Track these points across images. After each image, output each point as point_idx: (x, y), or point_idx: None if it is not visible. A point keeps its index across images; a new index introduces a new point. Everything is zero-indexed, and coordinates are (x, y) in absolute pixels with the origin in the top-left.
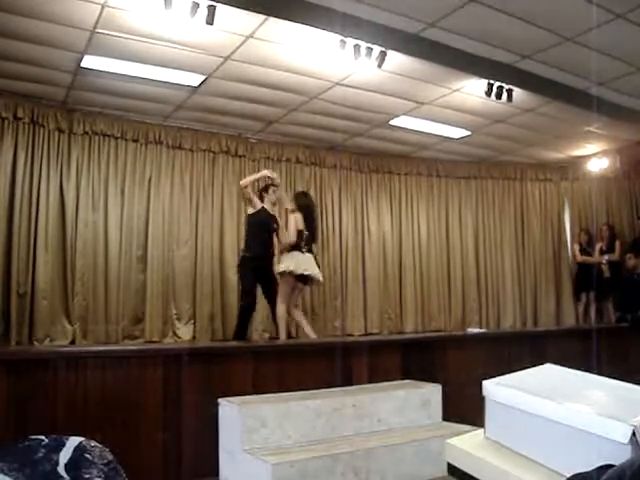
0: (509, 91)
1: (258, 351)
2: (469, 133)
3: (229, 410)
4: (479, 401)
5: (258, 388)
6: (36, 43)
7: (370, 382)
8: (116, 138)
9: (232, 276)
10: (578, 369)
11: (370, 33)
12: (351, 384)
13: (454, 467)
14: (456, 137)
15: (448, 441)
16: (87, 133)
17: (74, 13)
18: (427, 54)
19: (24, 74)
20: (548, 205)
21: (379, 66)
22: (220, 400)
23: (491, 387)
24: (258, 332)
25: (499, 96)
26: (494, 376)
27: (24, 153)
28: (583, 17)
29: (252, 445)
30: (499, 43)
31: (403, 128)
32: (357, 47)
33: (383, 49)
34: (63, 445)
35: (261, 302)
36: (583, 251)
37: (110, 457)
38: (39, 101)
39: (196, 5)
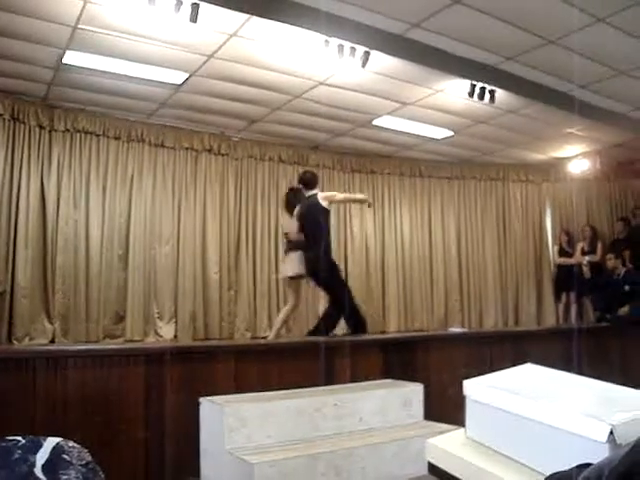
0: (492, 92)
1: (240, 350)
2: (452, 134)
3: (210, 409)
4: (460, 400)
5: (240, 387)
6: (17, 38)
7: (352, 381)
8: (98, 135)
9: (214, 275)
10: (559, 369)
11: (354, 33)
12: (333, 383)
13: (435, 466)
14: (439, 137)
15: (429, 440)
16: (68, 130)
17: (56, 8)
18: (411, 55)
19: (4, 70)
20: (530, 206)
21: (363, 66)
22: (201, 399)
23: (472, 386)
24: (240, 331)
25: (482, 97)
26: (475, 375)
27: (4, 150)
28: (565, 20)
29: (233, 445)
30: (482, 44)
31: (386, 128)
32: (341, 47)
33: (367, 49)
34: (40, 446)
35: (246, 298)
36: (562, 252)
37: (89, 458)
38: (20, 97)
39: (179, 2)
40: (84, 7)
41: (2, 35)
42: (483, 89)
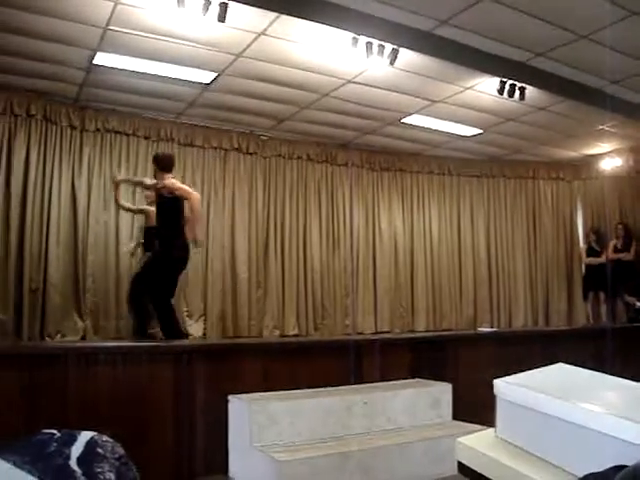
0: (522, 89)
1: (269, 348)
2: (481, 131)
3: (239, 407)
4: (490, 400)
5: (269, 385)
6: (49, 40)
7: (380, 380)
8: (128, 135)
9: (243, 274)
10: (590, 369)
11: (382, 31)
12: (361, 382)
13: (465, 466)
14: (468, 135)
15: (459, 440)
16: (99, 130)
17: (87, 10)
18: (439, 52)
19: (37, 71)
20: (560, 204)
21: (391, 64)
22: (230, 397)
23: (502, 386)
24: (269, 329)
25: (512, 94)
26: (505, 375)
27: (36, 150)
28: (598, 14)
29: (262, 442)
30: (512, 41)
31: (415, 126)
32: (369, 44)
33: (395, 47)
34: (75, 439)
35: (274, 296)
36: (592, 251)
37: (122, 452)
38: (52, 98)
39: (208, 2)
40: (114, 8)
41: (35, 37)
42: (513, 86)
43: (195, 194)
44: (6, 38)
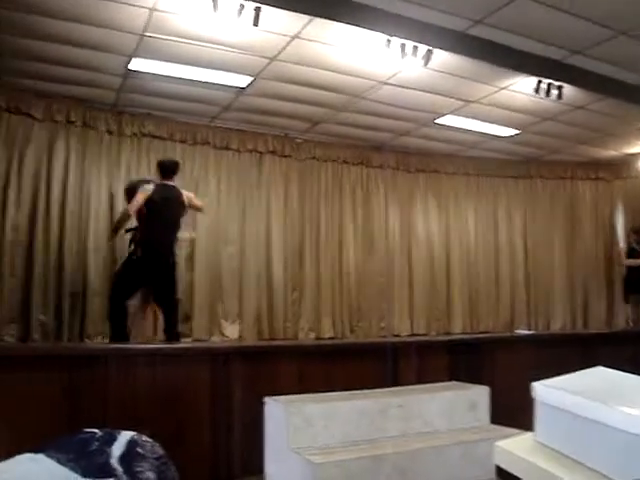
0: (559, 88)
1: (305, 351)
2: (517, 131)
3: (275, 409)
4: (527, 404)
5: (304, 387)
6: (87, 48)
7: (416, 383)
8: (164, 139)
9: (278, 276)
10: (630, 372)
11: (416, 32)
12: (397, 385)
13: (504, 470)
14: (504, 136)
15: (497, 443)
16: (136, 135)
17: (124, 18)
18: (474, 52)
19: (76, 78)
20: (600, 204)
21: (425, 65)
22: (266, 399)
23: (542, 389)
24: (304, 331)
25: (548, 93)
26: (543, 379)
27: (75, 155)
28: (637, 10)
29: (297, 444)
30: (548, 39)
31: (450, 127)
32: (403, 46)
33: (429, 47)
34: (115, 439)
35: (310, 298)
36: (632, 251)
37: (161, 452)
38: (90, 104)
39: (242, 7)
40: (151, 15)
41: (73, 45)
42: (550, 85)
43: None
44: (45, 46)
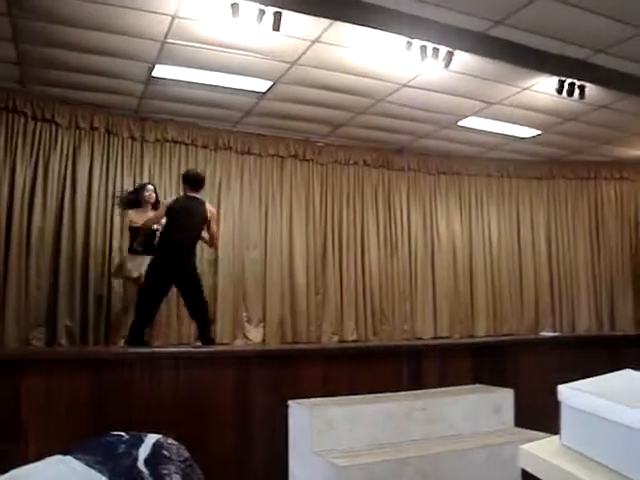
0: (581, 87)
1: (328, 354)
2: (540, 132)
3: (299, 412)
4: (552, 407)
5: (328, 390)
6: (109, 55)
7: (440, 386)
8: (186, 145)
9: (301, 280)
10: None
11: (436, 33)
12: (421, 388)
13: (529, 474)
14: (526, 137)
15: (522, 447)
16: (158, 140)
17: (145, 25)
18: (495, 53)
19: (100, 86)
20: (625, 204)
21: (446, 67)
22: (290, 402)
23: (567, 392)
24: (327, 334)
25: (571, 93)
26: (568, 381)
27: (99, 161)
28: None
29: (322, 447)
30: (570, 38)
31: (471, 129)
32: (423, 48)
33: (450, 49)
34: (142, 442)
35: (333, 302)
36: None
37: (187, 454)
38: (113, 111)
39: (262, 12)
40: (172, 22)
41: (96, 53)
42: (572, 85)
43: None
44: (68, 55)
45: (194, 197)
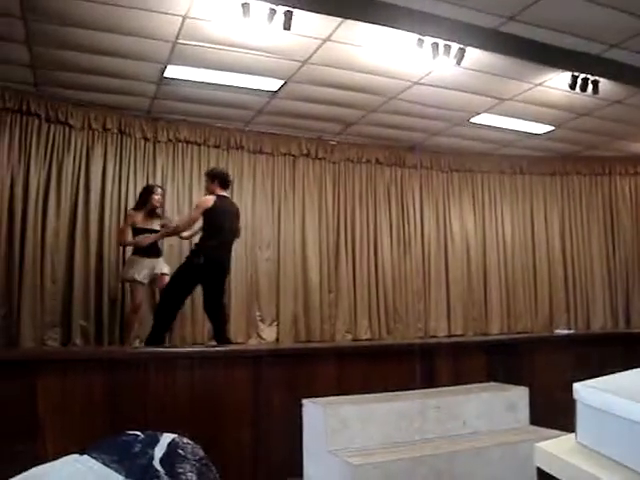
0: (595, 83)
1: (342, 352)
2: (553, 128)
3: (313, 411)
4: (567, 405)
5: (342, 389)
6: (122, 57)
7: (454, 384)
8: (199, 145)
9: (314, 278)
10: None
11: (448, 30)
12: (435, 386)
13: (544, 472)
14: (540, 133)
15: (538, 445)
16: (171, 140)
17: (157, 26)
18: (507, 49)
19: (112, 87)
20: None
21: (458, 63)
22: (304, 401)
23: (583, 390)
24: (341, 333)
25: (584, 88)
26: (584, 379)
27: (113, 162)
28: None
29: (336, 446)
30: (583, 33)
31: (484, 125)
32: (435, 45)
33: (462, 46)
34: (157, 441)
35: (346, 300)
36: None
37: (202, 454)
38: (126, 112)
39: (273, 11)
40: (183, 23)
41: (109, 55)
42: (586, 80)
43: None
44: (80, 57)
45: (226, 196)
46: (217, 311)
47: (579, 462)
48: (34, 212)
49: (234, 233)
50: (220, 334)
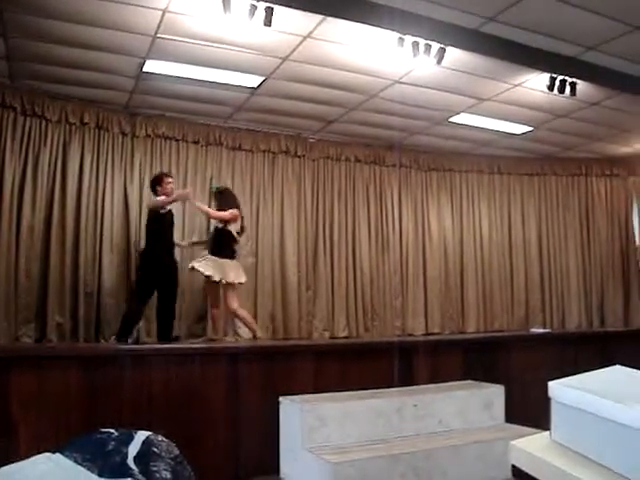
0: (572, 84)
1: (319, 350)
2: (531, 129)
3: (290, 408)
4: (543, 403)
5: (319, 387)
6: (101, 50)
7: (431, 382)
8: (177, 140)
9: (292, 276)
10: None
11: (429, 30)
12: (412, 384)
13: (519, 470)
14: (518, 133)
15: (513, 443)
16: (149, 136)
17: (136, 20)
18: (487, 49)
19: (90, 81)
20: (615, 201)
21: (438, 63)
22: (281, 398)
23: (558, 388)
24: (319, 331)
25: (562, 90)
26: (559, 377)
27: (90, 156)
28: None
29: (313, 444)
30: (561, 35)
31: (463, 125)
32: (416, 44)
33: (442, 45)
34: (132, 439)
35: (324, 298)
36: None
37: (177, 451)
38: (104, 106)
39: (254, 7)
40: (163, 17)
41: (86, 48)
42: (563, 82)
43: None
44: (57, 49)
45: None
46: (171, 308)
47: (553, 459)
48: (9, 207)
49: None
50: (169, 331)
